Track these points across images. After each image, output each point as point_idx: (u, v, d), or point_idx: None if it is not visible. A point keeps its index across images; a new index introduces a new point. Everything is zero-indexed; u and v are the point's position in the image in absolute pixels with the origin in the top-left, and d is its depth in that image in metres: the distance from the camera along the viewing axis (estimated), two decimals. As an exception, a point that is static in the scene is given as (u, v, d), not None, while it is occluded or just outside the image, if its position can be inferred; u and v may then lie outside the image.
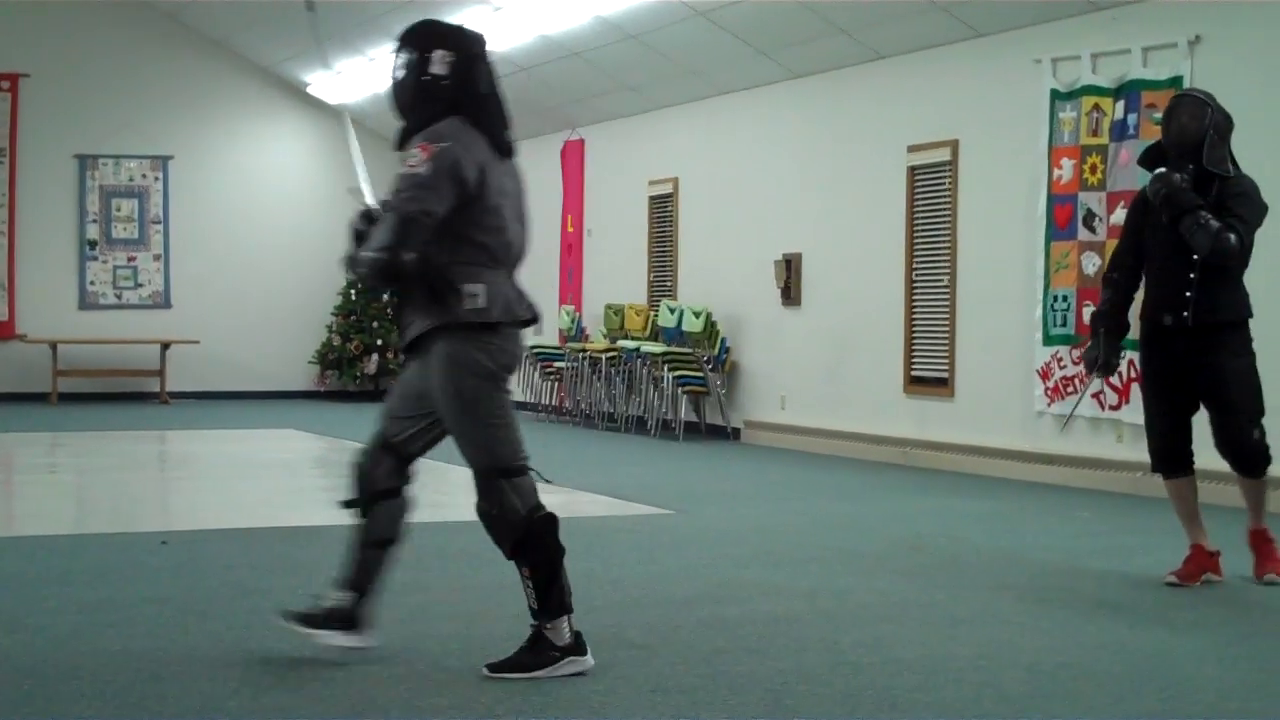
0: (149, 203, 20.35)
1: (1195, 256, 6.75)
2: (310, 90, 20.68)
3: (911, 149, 12.81)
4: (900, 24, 12.50)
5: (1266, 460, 7.01)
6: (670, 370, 15.00)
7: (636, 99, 16.31)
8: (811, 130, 14.10)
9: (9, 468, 12.93)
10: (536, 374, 17.58)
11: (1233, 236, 6.69)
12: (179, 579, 6.86)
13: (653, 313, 16.04)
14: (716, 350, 14.96)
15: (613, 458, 13.36)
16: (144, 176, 20.33)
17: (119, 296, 20.21)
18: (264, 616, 5.91)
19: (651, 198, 16.54)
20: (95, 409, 18.43)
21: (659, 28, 14.32)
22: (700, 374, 15.02)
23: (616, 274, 17.12)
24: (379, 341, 20.29)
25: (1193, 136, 6.84)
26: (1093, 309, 7.57)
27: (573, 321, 17.42)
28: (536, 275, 18.49)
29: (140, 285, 20.31)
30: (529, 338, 17.49)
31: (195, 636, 5.58)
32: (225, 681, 4.90)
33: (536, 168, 18.73)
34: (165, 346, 19.78)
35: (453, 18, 16.66)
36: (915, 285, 12.81)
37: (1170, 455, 7.02)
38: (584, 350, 16.51)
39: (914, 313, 12.82)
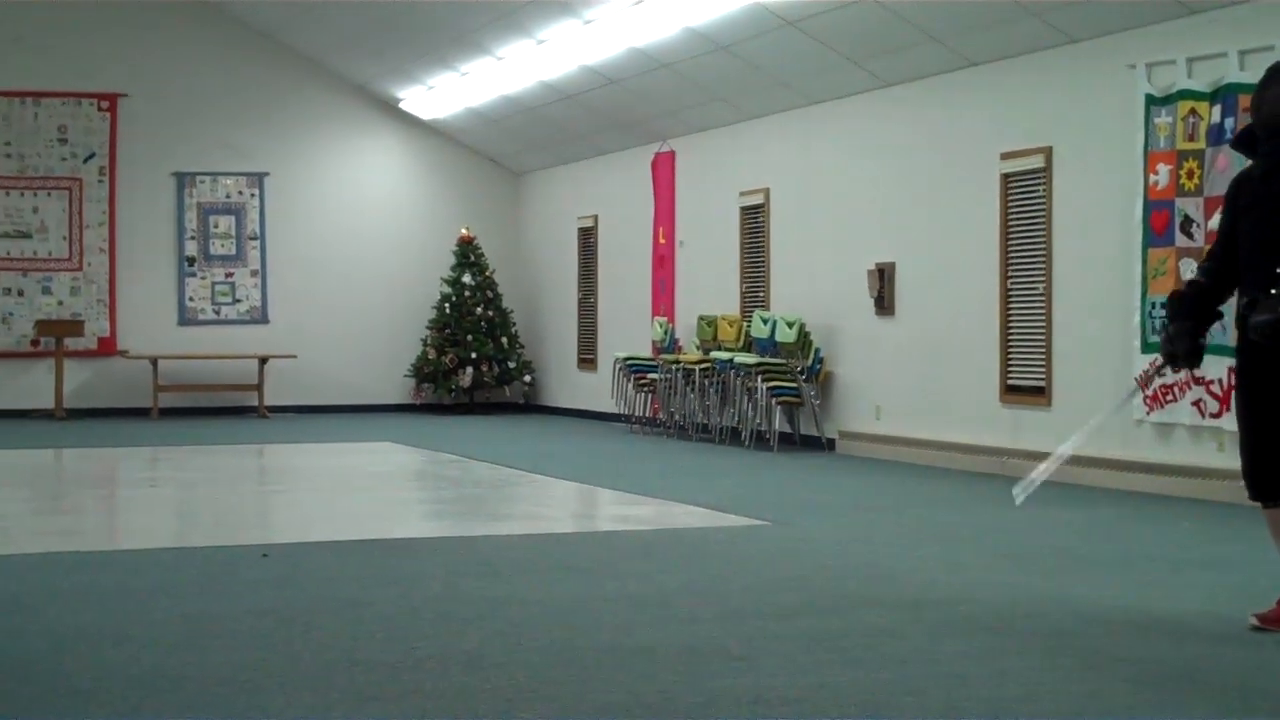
0: (246, 219, 20.62)
1: None
2: (402, 105, 20.85)
3: (1004, 156, 12.71)
4: (992, 31, 12.41)
5: None
6: (764, 381, 14.96)
7: (727, 110, 16.31)
8: (903, 139, 14.03)
9: (112, 482, 13.13)
10: (630, 386, 17.60)
11: None
12: (281, 591, 6.93)
13: (746, 323, 16.02)
14: (810, 360, 14.91)
15: (707, 469, 13.35)
16: (240, 193, 20.60)
17: (217, 312, 20.49)
18: (366, 628, 5.97)
19: (743, 208, 16.51)
20: (195, 423, 18.67)
21: (749, 38, 14.31)
22: (794, 384, 14.97)
23: (709, 285, 17.12)
24: (473, 355, 20.40)
25: None
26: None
27: (665, 333, 17.42)
28: (629, 287, 18.63)
29: (238, 301, 20.58)
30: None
31: (298, 648, 5.63)
32: (328, 693, 4.94)
33: (627, 180, 18.84)
34: (263, 361, 20.01)
35: (543, 32, 16.86)
36: (1010, 293, 12.70)
37: (1263, 480, 5.99)
38: (677, 362, 16.51)
39: (1009, 321, 12.71)
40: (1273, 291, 5.81)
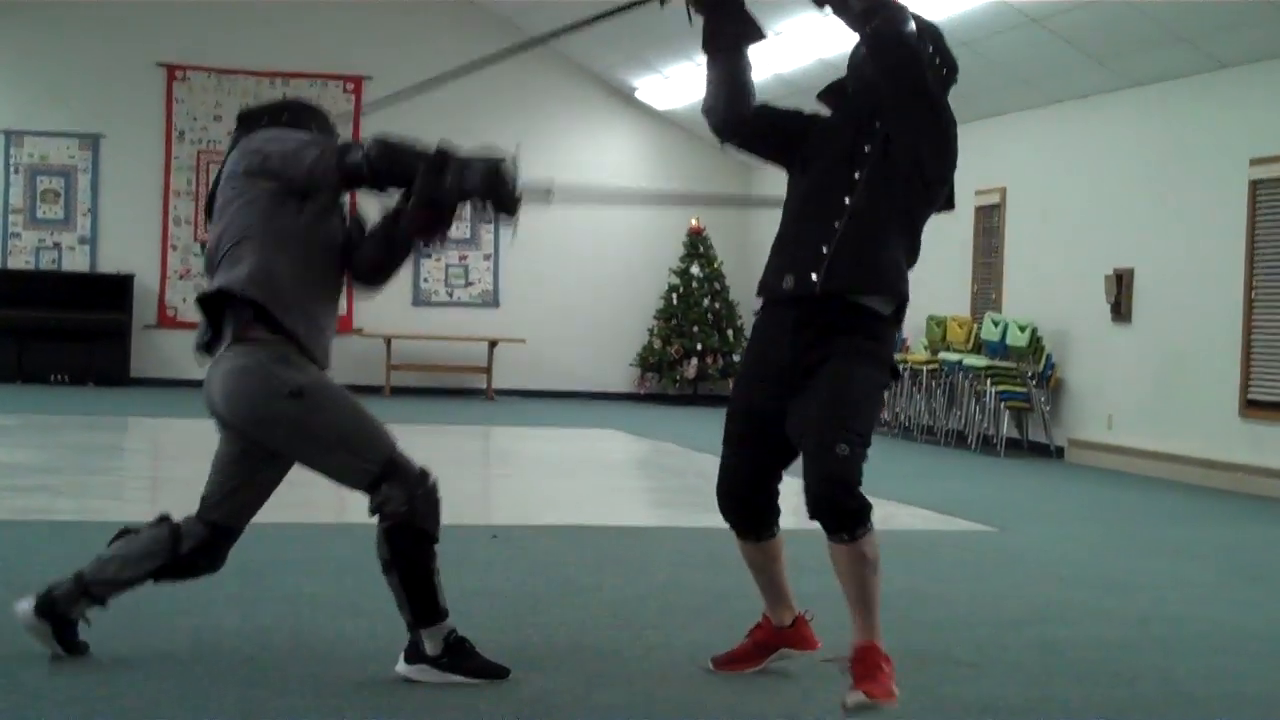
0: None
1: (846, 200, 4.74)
2: (637, 95, 20.98)
3: (1255, 162, 12.32)
4: (1244, 31, 12.04)
5: (856, 510, 4.50)
6: (993, 384, 14.75)
7: (964, 107, 15.88)
8: (1148, 141, 13.70)
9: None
10: (855, 383, 17.46)
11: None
12: (509, 573, 7.03)
13: (976, 325, 15.80)
14: (1041, 366, 14.65)
15: (932, 471, 13.20)
16: (476, 178, 20.91)
17: (450, 295, 20.88)
18: (594, 613, 6.05)
19: (977, 208, 16.26)
20: (425, 403, 19.04)
21: (989, 35, 14.09)
22: (1024, 389, 14.73)
23: (939, 285, 16.88)
24: (699, 346, 20.47)
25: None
26: None
27: (893, 332, 17.25)
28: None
29: (470, 284, 20.95)
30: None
31: (528, 631, 5.71)
32: (560, 676, 5.00)
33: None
34: (493, 345, 20.33)
35: (780, 24, 16.66)
36: (1256, 304, 12.32)
37: (737, 505, 4.98)
38: (905, 362, 16.35)
39: (1254, 332, 12.33)
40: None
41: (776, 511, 4.98)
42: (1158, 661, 5.65)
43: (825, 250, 4.71)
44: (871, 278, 4.73)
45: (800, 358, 4.67)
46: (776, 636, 5.15)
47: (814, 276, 4.69)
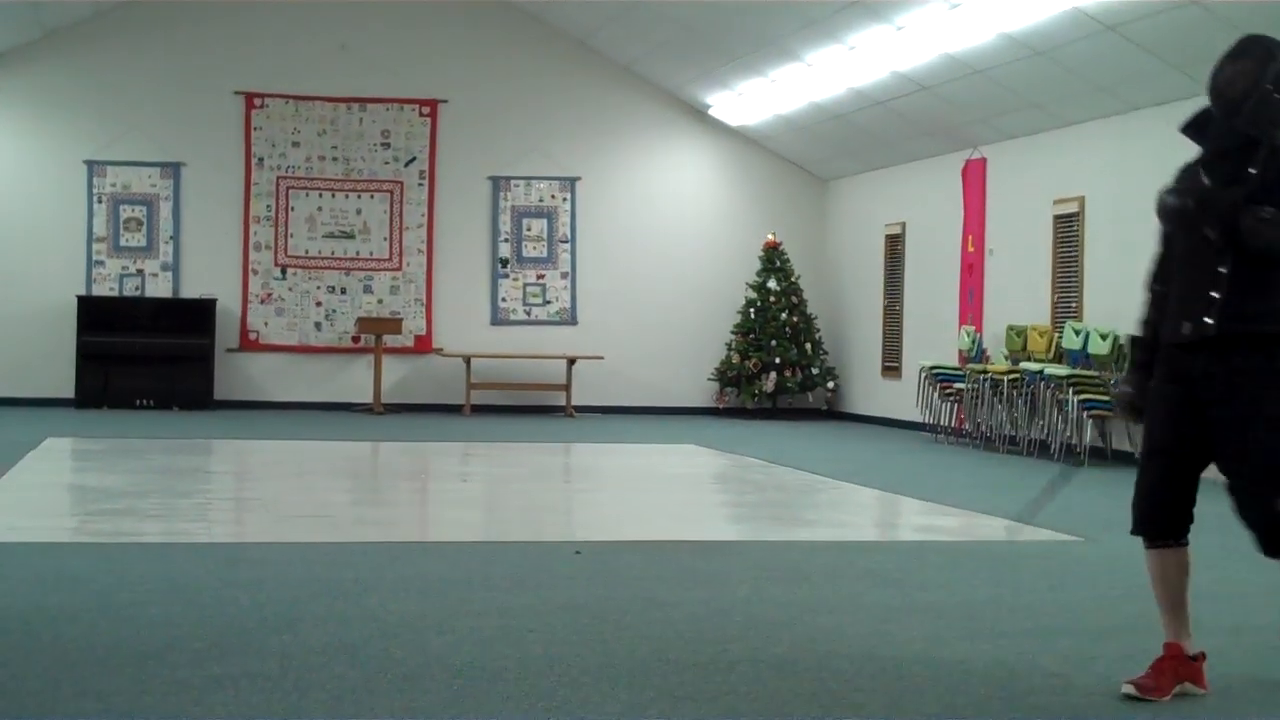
0: (557, 222, 21.07)
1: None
2: (711, 112, 21.01)
3: (1339, 165, 12.16)
4: (1328, 34, 11.90)
5: None
6: (1075, 393, 14.63)
7: (1042, 116, 16.00)
8: (1229, 146, 13.53)
9: (426, 475, 13.55)
10: (935, 394, 17.40)
11: None
12: (593, 588, 7.06)
13: (1057, 334, 15.69)
14: (1125, 373, 14.50)
15: (1014, 482, 13.10)
16: (553, 197, 21.05)
17: (528, 313, 20.98)
18: (676, 628, 6.04)
19: (1056, 217, 16.17)
20: (505, 420, 19.14)
21: (1067, 43, 14.01)
22: (1107, 398, 14.60)
23: (1018, 294, 16.81)
24: (777, 360, 20.44)
25: (1238, 91, 5.20)
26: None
27: (973, 342, 17.18)
28: (936, 295, 18.44)
29: (548, 302, 21.04)
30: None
31: (612, 645, 5.73)
32: (643, 691, 5.01)
33: (937, 187, 18.64)
34: (571, 362, 20.40)
35: (854, 38, 16.64)
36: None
37: (1156, 515, 5.43)
38: (985, 371, 16.26)
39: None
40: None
41: (1189, 519, 5.42)
42: (1252, 671, 5.59)
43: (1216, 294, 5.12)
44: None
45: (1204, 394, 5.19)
46: (1184, 665, 5.20)
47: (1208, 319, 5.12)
